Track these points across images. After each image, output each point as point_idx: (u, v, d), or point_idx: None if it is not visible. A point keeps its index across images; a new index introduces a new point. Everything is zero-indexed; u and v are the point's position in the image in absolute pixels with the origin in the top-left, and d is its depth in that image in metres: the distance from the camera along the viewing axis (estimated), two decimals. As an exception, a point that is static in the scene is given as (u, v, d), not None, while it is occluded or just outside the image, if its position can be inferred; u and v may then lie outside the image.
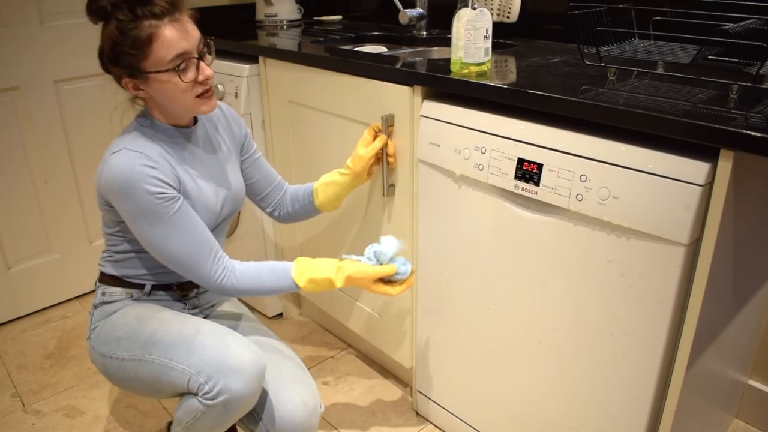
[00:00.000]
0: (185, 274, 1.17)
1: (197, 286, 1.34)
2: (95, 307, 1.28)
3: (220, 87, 1.84)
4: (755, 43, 1.01)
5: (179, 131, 1.20)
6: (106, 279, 1.28)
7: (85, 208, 2.20)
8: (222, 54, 1.94)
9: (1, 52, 1.89)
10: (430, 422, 1.63)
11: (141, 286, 1.26)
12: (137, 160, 1.09)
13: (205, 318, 1.36)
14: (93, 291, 2.30)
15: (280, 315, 2.12)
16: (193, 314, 1.33)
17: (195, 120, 1.25)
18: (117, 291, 1.26)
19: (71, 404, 1.73)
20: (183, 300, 1.32)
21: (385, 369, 1.85)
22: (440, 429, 1.61)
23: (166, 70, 1.08)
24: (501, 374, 1.36)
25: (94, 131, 2.15)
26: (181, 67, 1.09)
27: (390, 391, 1.76)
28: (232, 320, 1.38)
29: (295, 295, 2.11)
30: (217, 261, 1.17)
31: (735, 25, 1.12)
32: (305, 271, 1.22)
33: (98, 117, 2.15)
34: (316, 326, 2.07)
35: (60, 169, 2.10)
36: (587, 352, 1.16)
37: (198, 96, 1.14)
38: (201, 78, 1.12)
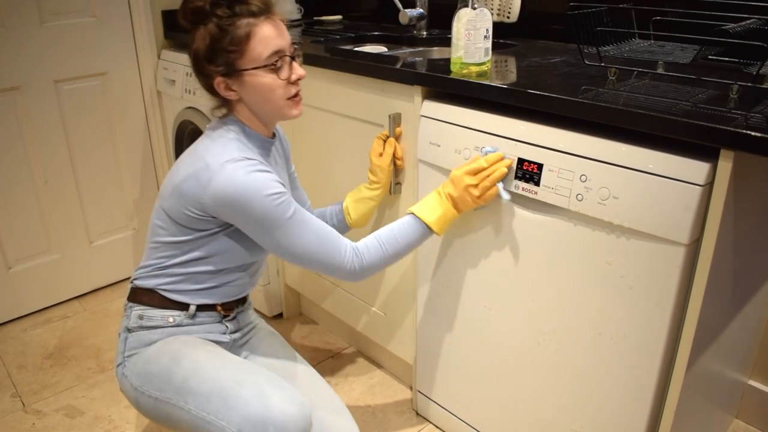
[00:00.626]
0: (318, 268, 1.14)
1: (239, 305, 1.28)
2: (129, 330, 1.18)
3: (220, 87, 1.84)
4: (755, 43, 1.01)
5: (266, 141, 1.19)
6: (144, 298, 1.18)
7: (85, 207, 2.20)
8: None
9: (1, 52, 1.89)
10: (430, 422, 1.63)
11: (185, 307, 1.18)
12: (255, 166, 1.07)
13: (245, 343, 1.31)
14: (94, 291, 2.31)
15: (281, 315, 2.12)
16: (234, 339, 1.27)
17: (273, 134, 1.23)
18: (158, 314, 1.17)
19: (71, 404, 1.73)
20: (224, 322, 1.24)
21: (385, 369, 1.85)
22: (440, 429, 1.61)
23: (263, 67, 1.09)
24: (501, 375, 1.36)
25: (94, 131, 2.15)
26: (278, 64, 1.09)
27: (390, 391, 1.76)
28: (272, 351, 1.32)
29: (295, 295, 2.11)
30: (344, 246, 1.14)
31: (735, 25, 1.12)
32: (416, 205, 1.21)
33: (98, 117, 2.15)
34: (316, 326, 2.07)
35: (60, 168, 2.10)
36: (587, 353, 1.16)
37: (289, 98, 1.13)
38: (294, 77, 1.13)
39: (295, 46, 1.14)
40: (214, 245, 1.15)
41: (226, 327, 1.24)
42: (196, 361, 1.11)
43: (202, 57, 1.10)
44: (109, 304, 2.23)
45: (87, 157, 2.16)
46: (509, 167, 1.17)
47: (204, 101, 1.94)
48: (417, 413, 1.66)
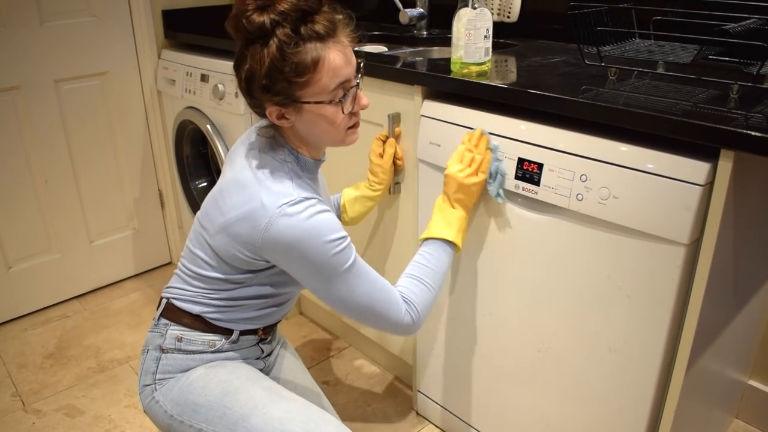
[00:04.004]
0: (374, 322, 1.05)
1: (275, 326, 1.22)
2: (163, 351, 1.09)
3: (220, 87, 1.84)
4: (755, 43, 1.01)
5: (317, 164, 1.09)
6: (186, 320, 1.10)
7: (85, 207, 2.20)
8: (222, 53, 1.94)
9: (1, 51, 1.89)
10: (430, 422, 1.63)
11: (228, 332, 1.11)
12: (315, 207, 0.97)
13: (271, 369, 1.27)
14: (94, 290, 2.31)
15: (280, 315, 2.12)
16: (268, 365, 1.24)
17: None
18: (199, 338, 1.09)
19: (71, 404, 1.73)
20: (261, 345, 1.19)
21: (385, 369, 1.85)
22: (440, 429, 1.61)
23: (329, 102, 0.97)
24: (501, 376, 1.35)
25: (94, 131, 2.15)
26: (344, 99, 0.98)
27: (390, 391, 1.76)
28: (292, 376, 1.28)
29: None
30: (399, 297, 1.05)
31: (735, 25, 1.12)
32: (427, 230, 1.16)
33: (98, 116, 2.15)
34: (315, 326, 2.07)
35: (60, 168, 2.10)
36: (586, 354, 1.16)
37: (348, 127, 1.03)
38: (357, 109, 1.02)
39: (360, 65, 1.01)
40: (261, 284, 1.09)
41: (262, 351, 1.19)
42: (255, 398, 1.04)
43: (257, 83, 0.95)
44: (110, 304, 2.23)
45: (87, 156, 2.16)
46: (488, 141, 1.19)
47: (204, 101, 1.94)
48: (417, 413, 1.66)
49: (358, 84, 1.01)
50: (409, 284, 1.09)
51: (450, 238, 1.14)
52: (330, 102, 0.97)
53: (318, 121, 0.99)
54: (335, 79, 0.95)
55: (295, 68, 0.92)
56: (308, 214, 0.96)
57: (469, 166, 1.16)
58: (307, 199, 0.98)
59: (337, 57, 0.95)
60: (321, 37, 0.93)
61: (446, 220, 1.17)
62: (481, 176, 1.18)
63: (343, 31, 0.97)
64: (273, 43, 0.91)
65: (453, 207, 1.18)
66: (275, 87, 0.94)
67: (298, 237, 0.95)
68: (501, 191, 1.19)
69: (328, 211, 0.99)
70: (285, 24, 0.91)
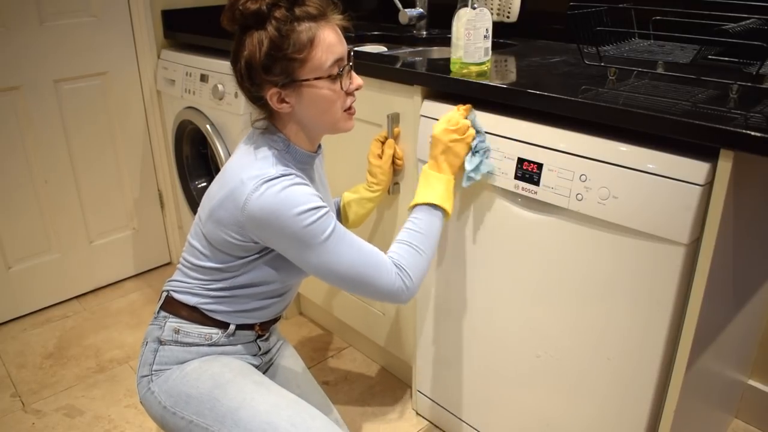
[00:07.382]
0: (365, 291, 1.06)
1: (274, 322, 1.24)
2: (161, 342, 1.11)
3: (220, 87, 1.84)
4: (755, 42, 1.01)
5: (310, 157, 1.12)
6: (183, 312, 1.12)
7: (85, 207, 2.20)
8: (222, 53, 1.94)
9: (1, 52, 1.89)
10: (430, 422, 1.63)
11: (225, 326, 1.13)
12: (291, 180, 1.01)
13: (269, 366, 1.28)
14: (94, 290, 2.31)
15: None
16: (266, 362, 1.25)
17: (318, 146, 1.16)
18: (196, 330, 1.11)
19: (71, 404, 1.73)
20: (258, 342, 1.20)
21: (385, 369, 1.85)
22: (440, 429, 1.61)
23: (326, 77, 1.01)
24: (501, 377, 1.35)
25: (94, 131, 2.15)
26: (340, 72, 1.02)
27: (390, 391, 1.76)
28: (292, 377, 1.29)
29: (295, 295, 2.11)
30: (389, 263, 1.06)
31: (735, 24, 1.12)
32: (415, 197, 1.18)
33: (98, 117, 2.15)
34: (315, 326, 2.07)
35: (60, 168, 2.10)
36: (586, 353, 1.16)
37: (345, 110, 1.07)
38: (353, 87, 1.07)
39: (351, 53, 1.06)
40: (256, 272, 1.10)
41: (259, 348, 1.21)
42: (244, 391, 1.06)
43: (257, 65, 0.99)
44: (109, 304, 2.23)
45: (87, 156, 2.16)
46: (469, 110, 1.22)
47: (204, 101, 1.94)
48: (417, 413, 1.66)
49: (351, 65, 1.06)
50: (399, 250, 1.11)
51: (437, 202, 1.15)
52: (328, 77, 1.02)
53: (316, 101, 1.03)
54: (331, 55, 1.01)
55: (293, 45, 0.98)
56: (281, 187, 0.99)
57: (455, 126, 1.18)
58: (284, 175, 1.01)
59: (330, 34, 1.01)
60: (313, 17, 0.99)
61: (431, 186, 1.18)
62: (467, 138, 1.19)
63: (332, 13, 1.03)
64: (270, 25, 0.97)
65: (439, 171, 1.19)
66: (275, 67, 0.99)
67: (272, 211, 0.99)
68: (481, 166, 1.20)
69: (303, 184, 1.02)
70: (281, 4, 0.97)
